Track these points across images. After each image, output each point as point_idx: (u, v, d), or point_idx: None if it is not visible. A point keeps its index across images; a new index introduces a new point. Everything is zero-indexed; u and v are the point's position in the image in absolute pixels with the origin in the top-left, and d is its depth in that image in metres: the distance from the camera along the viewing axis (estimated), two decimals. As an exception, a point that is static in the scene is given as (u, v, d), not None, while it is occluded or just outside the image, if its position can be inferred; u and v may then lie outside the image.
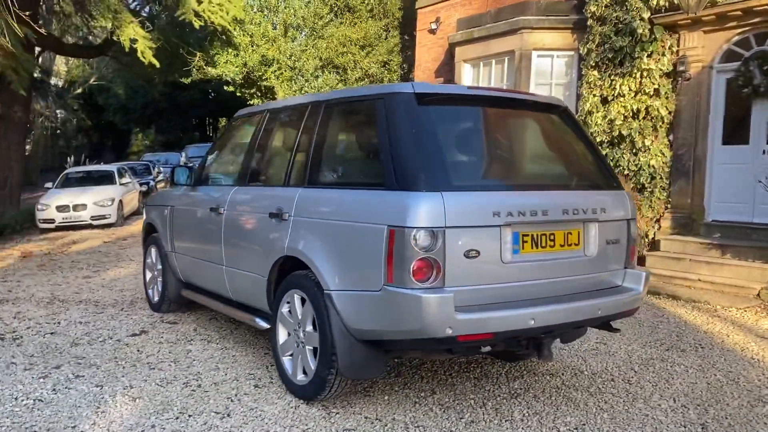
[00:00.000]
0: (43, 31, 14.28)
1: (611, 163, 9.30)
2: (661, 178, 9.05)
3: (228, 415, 3.81)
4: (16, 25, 12.82)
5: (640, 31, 8.91)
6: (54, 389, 4.21)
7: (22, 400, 4.02)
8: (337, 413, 3.85)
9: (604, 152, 9.37)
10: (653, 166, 9.01)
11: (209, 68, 18.39)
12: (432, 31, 13.19)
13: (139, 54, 15.89)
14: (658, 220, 9.19)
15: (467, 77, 11.75)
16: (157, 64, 16.15)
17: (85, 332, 5.61)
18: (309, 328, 3.89)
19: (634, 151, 9.15)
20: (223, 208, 4.89)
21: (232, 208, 4.80)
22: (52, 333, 5.57)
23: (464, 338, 3.34)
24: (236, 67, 17.97)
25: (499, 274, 3.50)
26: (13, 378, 4.42)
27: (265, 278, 4.32)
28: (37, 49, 20.96)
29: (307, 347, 3.93)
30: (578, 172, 4.24)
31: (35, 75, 21.24)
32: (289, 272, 4.11)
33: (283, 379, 4.20)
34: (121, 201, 15.19)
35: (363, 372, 3.71)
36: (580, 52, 9.92)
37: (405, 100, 3.60)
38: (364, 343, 3.62)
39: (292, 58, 17.29)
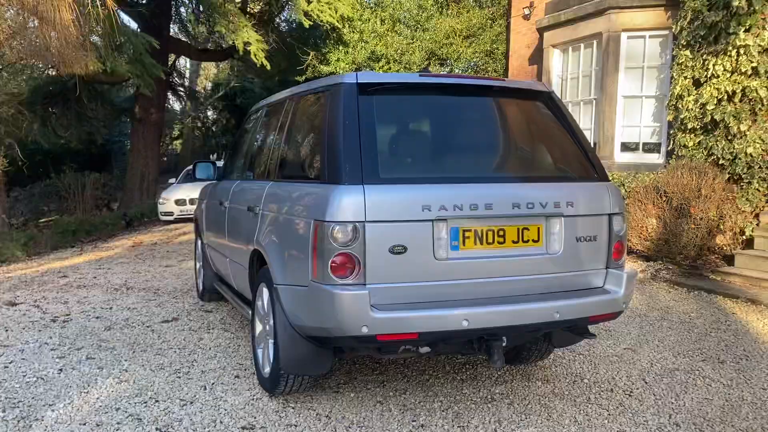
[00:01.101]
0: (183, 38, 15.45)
1: (703, 152, 8.43)
2: (759, 167, 8.04)
3: (191, 403, 3.94)
4: (136, 35, 13.98)
5: (736, 3, 7.96)
6: (61, 369, 4.57)
7: (28, 378, 4.41)
8: (293, 408, 3.85)
9: (696, 140, 8.52)
10: (751, 155, 8.02)
11: (322, 66, 18.94)
12: (526, 17, 12.66)
13: (252, 56, 16.71)
14: (757, 215, 8.19)
15: (556, 64, 11.16)
16: (268, 66, 16.91)
17: (125, 317, 6.03)
18: (272, 321, 3.92)
19: (728, 137, 8.21)
20: (226, 202, 5.05)
21: (231, 202, 4.94)
22: (97, 317, 6.06)
23: (384, 338, 3.21)
24: (346, 64, 18.37)
25: (433, 272, 3.31)
26: (35, 357, 4.86)
27: (247, 271, 4.42)
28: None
29: (270, 340, 3.96)
30: (545, 163, 3.91)
31: (171, 79, 23.04)
32: (262, 266, 4.17)
33: (256, 371, 4.26)
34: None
35: (305, 368, 3.67)
36: (673, 31, 9.06)
37: (346, 91, 3.51)
38: (307, 338, 3.58)
39: (398, 51, 17.36)
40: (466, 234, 3.38)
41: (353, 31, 17.94)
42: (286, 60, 20.09)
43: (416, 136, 3.77)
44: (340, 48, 18.45)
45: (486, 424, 3.66)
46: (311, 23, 16.88)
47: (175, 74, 24.47)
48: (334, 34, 18.52)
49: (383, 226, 3.21)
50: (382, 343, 3.35)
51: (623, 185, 9.17)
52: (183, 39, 21.86)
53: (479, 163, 3.75)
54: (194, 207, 15.26)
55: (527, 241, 3.52)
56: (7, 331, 5.62)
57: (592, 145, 10.48)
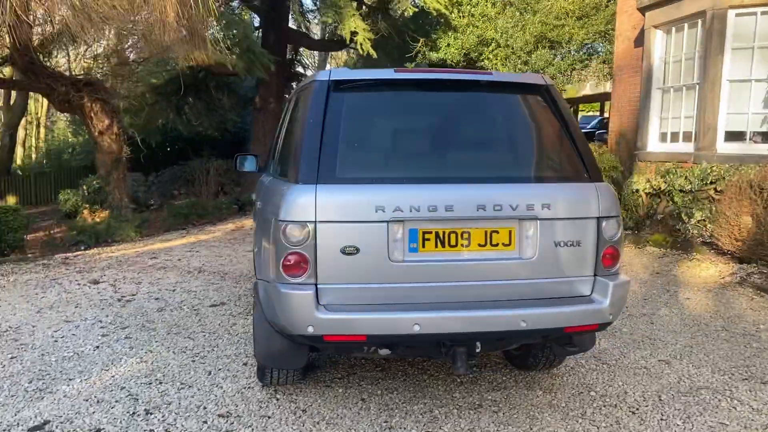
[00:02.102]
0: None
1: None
2: None
3: (189, 387, 4.15)
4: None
5: None
6: (97, 347, 4.99)
7: (66, 352, 4.86)
8: (277, 400, 3.94)
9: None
10: None
11: (432, 53, 18.82)
12: (633, -5, 11.80)
13: (358, 45, 16.96)
14: None
15: (658, 46, 10.31)
16: (375, 55, 17.08)
17: (181, 300, 6.44)
18: (253, 314, 4.02)
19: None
20: (256, 194, 5.22)
21: (255, 193, 5.11)
22: (156, 299, 6.51)
23: (331, 338, 3.19)
24: (456, 49, 18.13)
25: (388, 274, 3.24)
26: (84, 333, 5.33)
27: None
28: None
29: None
30: (525, 163, 3.66)
31: (293, 69, 23.91)
32: None
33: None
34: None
35: (279, 361, 3.72)
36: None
37: (317, 89, 3.50)
38: (282, 333, 3.64)
39: (504, 36, 16.85)
40: (426, 236, 3.27)
41: (461, 16, 17.66)
42: (397, 48, 20.18)
43: (384, 135, 3.68)
44: (449, 33, 18.24)
45: (457, 431, 3.54)
46: (416, 10, 16.82)
47: (297, 65, 25.42)
48: (443, 20, 18.34)
49: (335, 227, 3.19)
50: (332, 344, 3.34)
51: (723, 179, 8.38)
52: (301, 30, 22.56)
53: (448, 163, 3.59)
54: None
55: (497, 244, 3.34)
56: (76, 307, 6.20)
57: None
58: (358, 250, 3.19)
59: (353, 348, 3.49)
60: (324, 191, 3.18)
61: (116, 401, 3.93)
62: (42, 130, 36.37)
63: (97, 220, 12.38)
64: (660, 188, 9.29)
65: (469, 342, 3.36)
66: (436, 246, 3.28)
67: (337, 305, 3.21)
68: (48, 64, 13.78)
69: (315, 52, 31.61)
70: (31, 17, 11.28)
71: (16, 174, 28.56)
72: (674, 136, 10.00)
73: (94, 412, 3.78)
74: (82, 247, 10.52)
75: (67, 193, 13.49)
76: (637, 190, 9.73)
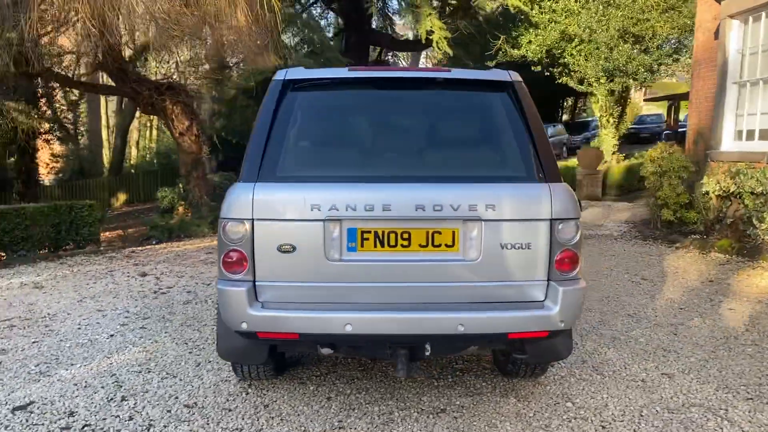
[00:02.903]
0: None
1: None
2: None
3: (173, 377, 4.32)
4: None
5: None
6: (112, 335, 5.29)
7: (82, 339, 5.19)
8: (247, 394, 4.02)
9: None
10: None
11: (513, 50, 18.41)
12: (714, -17, 10.98)
13: (434, 45, 16.91)
14: None
15: (734, 37, 9.55)
16: (451, 53, 16.96)
17: (210, 294, 6.69)
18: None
19: None
20: None
21: None
22: (188, 292, 6.80)
23: (265, 335, 3.22)
24: (537, 46, 17.64)
25: (324, 273, 3.22)
26: (107, 322, 5.67)
27: None
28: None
29: None
30: (474, 162, 3.49)
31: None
32: None
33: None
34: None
35: (238, 357, 3.77)
36: None
37: (271, 88, 3.54)
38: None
39: (587, 31, 16.17)
40: (365, 235, 3.23)
41: (542, 12, 17.15)
42: (479, 46, 19.95)
43: (332, 134, 3.63)
44: (530, 30, 17.77)
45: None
46: (495, 7, 16.54)
47: (382, 64, 25.59)
48: (523, 17, 17.91)
49: (271, 225, 3.21)
50: (268, 341, 3.36)
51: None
52: (385, 31, 22.77)
53: (391, 163, 3.50)
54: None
55: (439, 245, 3.24)
56: (114, 297, 6.60)
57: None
58: (294, 248, 3.20)
59: (292, 346, 3.50)
60: (261, 189, 3.22)
61: (101, 387, 4.16)
62: (154, 131, 38.68)
63: (188, 215, 13.11)
64: (729, 190, 8.65)
65: (410, 344, 3.28)
66: (375, 246, 3.23)
67: (275, 303, 3.23)
68: (137, 70, 14.68)
69: (408, 52, 31.82)
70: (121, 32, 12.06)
71: (127, 173, 30.69)
72: (750, 134, 9.25)
73: (76, 396, 4.01)
74: (153, 242, 11.15)
75: (164, 190, 14.32)
76: (707, 193, 9.11)
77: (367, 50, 21.81)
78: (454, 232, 3.23)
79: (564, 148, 26.09)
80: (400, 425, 3.57)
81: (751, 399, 3.90)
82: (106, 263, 8.84)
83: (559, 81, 18.33)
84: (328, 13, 22.81)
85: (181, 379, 4.27)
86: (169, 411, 3.78)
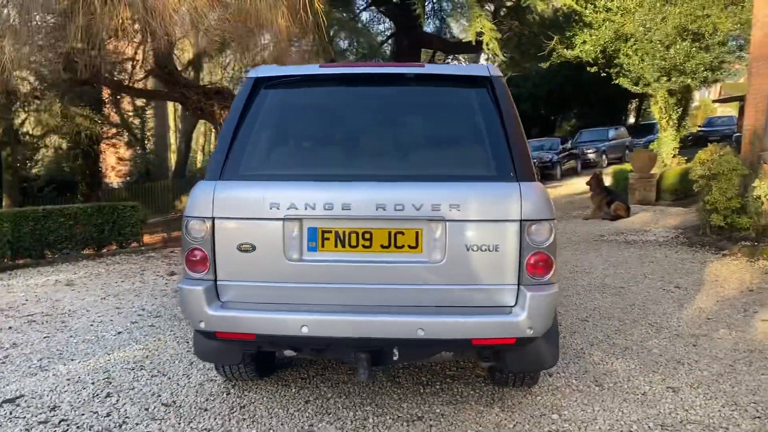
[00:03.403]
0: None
1: None
2: None
3: (162, 375, 4.34)
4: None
5: None
6: (119, 332, 5.39)
7: (90, 336, 5.30)
8: (227, 395, 3.98)
9: None
10: None
11: (567, 51, 17.91)
12: (773, -27, 10.33)
13: (484, 46, 16.64)
14: None
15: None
16: (501, 55, 16.67)
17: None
18: None
19: None
20: None
21: None
22: (207, 291, 6.84)
23: (223, 335, 3.17)
24: (591, 46, 17.11)
25: (284, 273, 3.15)
26: (119, 320, 5.78)
27: None
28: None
29: None
30: (441, 161, 3.34)
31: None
32: None
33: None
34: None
35: (213, 357, 3.73)
36: None
37: (244, 86, 3.50)
38: None
39: (642, 29, 15.55)
40: (326, 235, 3.13)
41: (597, 11, 16.61)
42: (533, 47, 19.53)
43: (297, 132, 3.54)
44: (585, 30, 17.25)
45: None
46: (545, 7, 16.14)
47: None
48: (577, 16, 17.40)
49: (231, 223, 3.16)
50: (228, 342, 3.31)
51: None
52: (439, 34, 22.59)
53: (355, 161, 3.38)
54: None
55: (402, 246, 3.11)
56: (135, 296, 6.74)
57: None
58: (254, 247, 3.14)
59: (252, 346, 3.43)
60: (222, 188, 3.18)
61: (91, 383, 4.21)
62: (219, 136, 39.41)
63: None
64: (781, 194, 8.12)
65: (371, 348, 3.17)
66: (336, 246, 3.14)
67: (236, 303, 3.18)
68: (186, 75, 15.07)
69: (463, 55, 31.51)
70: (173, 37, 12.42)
71: (192, 176, 31.60)
72: (806, 134, 8.65)
73: (65, 391, 4.08)
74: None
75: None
76: (759, 197, 8.57)
77: (419, 53, 21.67)
78: (417, 233, 3.10)
79: (627, 152, 25.25)
80: (359, 424, 3.46)
81: (758, 417, 3.58)
82: (142, 263, 9.06)
83: (615, 82, 17.75)
84: (380, 17, 22.84)
85: (169, 378, 4.28)
86: (147, 409, 3.79)
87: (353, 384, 4.09)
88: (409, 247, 3.11)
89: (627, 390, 3.99)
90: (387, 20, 22.77)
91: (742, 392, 3.93)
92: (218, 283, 3.20)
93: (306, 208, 3.09)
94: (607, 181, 17.05)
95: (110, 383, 4.21)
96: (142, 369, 4.45)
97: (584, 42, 17.27)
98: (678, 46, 15.00)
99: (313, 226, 3.13)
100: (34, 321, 5.84)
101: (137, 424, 3.59)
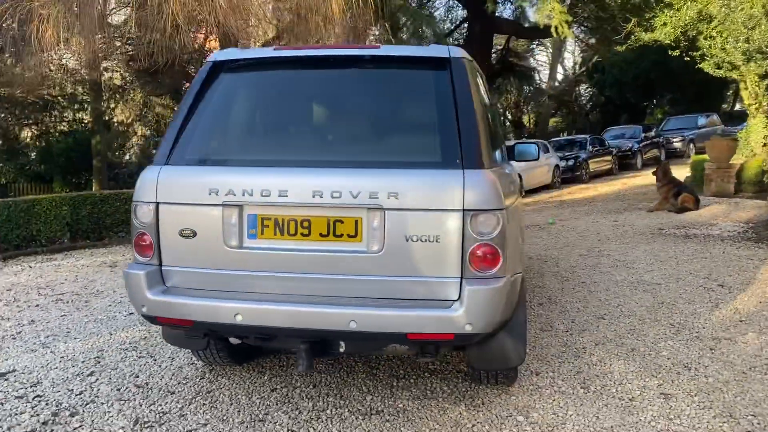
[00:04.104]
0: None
1: None
2: None
3: (150, 357, 4.43)
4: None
5: None
6: (131, 313, 5.55)
7: (103, 316, 5.49)
8: (200, 379, 4.01)
9: None
10: None
11: (645, 33, 16.93)
12: None
13: (552, 30, 16.04)
14: None
15: None
16: (570, 37, 16.03)
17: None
18: None
19: None
20: None
21: None
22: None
23: (164, 320, 3.17)
24: (672, 28, 16.10)
25: (224, 260, 3.10)
26: (126, 306, 5.92)
27: None
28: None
29: None
30: (384, 147, 3.18)
31: (509, 58, 23.38)
32: None
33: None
34: (519, 175, 15.83)
35: (179, 342, 3.72)
36: None
37: (202, 69, 3.47)
38: None
39: (724, 9, 14.44)
40: (265, 222, 3.06)
41: (683, -9, 15.58)
42: (612, 31, 18.66)
43: (246, 117, 3.44)
44: (665, 11, 16.24)
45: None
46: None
47: (510, 55, 24.75)
48: (655, -3, 16.43)
49: (174, 208, 3.14)
50: (175, 327, 3.29)
51: None
52: (509, 19, 21.99)
53: (297, 147, 3.26)
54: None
55: (341, 235, 2.99)
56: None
57: None
58: (195, 233, 3.12)
59: (195, 332, 3.40)
60: (165, 172, 3.17)
61: (81, 362, 4.35)
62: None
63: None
64: None
65: (310, 338, 3.07)
66: (275, 234, 3.05)
67: (179, 288, 3.18)
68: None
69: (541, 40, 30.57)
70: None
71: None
72: None
73: (54, 369, 4.24)
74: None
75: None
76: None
77: (491, 39, 21.18)
78: (357, 222, 2.97)
79: (719, 140, 23.72)
80: (323, 423, 3.37)
81: (749, 431, 3.23)
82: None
83: (699, 66, 16.65)
84: (455, 3, 22.46)
85: (155, 360, 4.35)
86: (119, 389, 3.86)
87: (329, 374, 4.01)
88: (349, 236, 2.98)
89: (613, 394, 3.70)
90: (460, 6, 22.39)
91: (744, 403, 3.55)
92: (163, 268, 3.19)
93: (244, 195, 3.03)
94: (687, 171, 16.09)
95: (99, 362, 4.32)
96: (134, 350, 4.55)
97: (664, 24, 16.28)
98: (763, 28, 13.84)
99: (253, 213, 3.06)
100: (62, 300, 6.11)
101: (102, 403, 3.66)
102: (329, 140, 3.30)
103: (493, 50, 24.01)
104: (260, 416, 3.45)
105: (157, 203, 3.15)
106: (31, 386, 3.94)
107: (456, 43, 23.73)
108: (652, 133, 23.87)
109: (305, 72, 3.43)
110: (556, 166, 18.00)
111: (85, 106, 18.63)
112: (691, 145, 22.90)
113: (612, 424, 3.31)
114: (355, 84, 3.38)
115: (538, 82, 35.20)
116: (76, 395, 3.78)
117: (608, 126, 34.61)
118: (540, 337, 4.72)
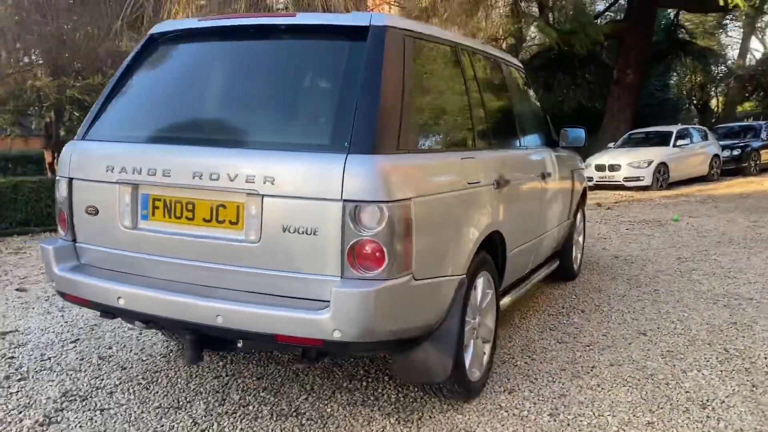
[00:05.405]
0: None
1: None
2: None
3: (134, 331, 4.44)
4: None
5: None
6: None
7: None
8: (162, 357, 3.95)
9: None
10: None
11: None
12: None
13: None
14: None
15: None
16: (745, 8, 14.14)
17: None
18: None
19: None
20: None
21: None
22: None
23: (69, 297, 3.11)
24: None
25: (120, 240, 2.97)
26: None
27: None
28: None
29: None
30: (266, 125, 2.85)
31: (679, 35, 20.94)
32: None
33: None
34: (664, 164, 14.28)
35: None
36: None
37: (140, 43, 3.36)
38: None
39: None
40: (156, 203, 2.88)
41: None
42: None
43: (159, 91, 3.19)
44: None
45: (222, 428, 3.04)
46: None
47: (679, 31, 22.26)
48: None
49: (81, 185, 3.08)
50: (81, 305, 3.22)
51: None
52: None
53: (190, 123, 3.00)
54: (614, 174, 14.17)
55: (223, 221, 2.72)
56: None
57: None
58: (97, 211, 3.03)
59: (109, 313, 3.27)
60: (78, 148, 3.13)
61: (78, 328, 4.51)
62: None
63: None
64: None
65: (193, 330, 2.85)
66: (164, 216, 2.87)
67: (86, 266, 3.12)
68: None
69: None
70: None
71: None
72: None
73: (49, 333, 4.42)
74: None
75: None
76: None
77: (653, 15, 19.23)
78: (238, 207, 2.69)
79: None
80: (232, 419, 3.14)
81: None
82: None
83: None
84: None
85: (141, 333, 4.37)
86: (83, 359, 3.92)
87: (284, 376, 3.73)
88: (230, 222, 2.72)
89: (582, 427, 3.08)
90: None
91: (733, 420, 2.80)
92: (77, 245, 3.15)
93: (134, 173, 2.87)
94: None
95: (92, 331, 4.44)
96: (130, 329, 4.59)
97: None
98: None
99: (146, 193, 2.90)
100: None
101: (61, 370, 3.72)
102: (223, 118, 3.04)
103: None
104: (180, 404, 3.30)
105: (70, 179, 3.10)
106: (14, 347, 4.13)
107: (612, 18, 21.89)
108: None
109: (219, 44, 3.22)
110: (715, 155, 15.96)
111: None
112: None
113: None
114: (264, 56, 3.09)
115: (731, 61, 31.50)
116: (46, 360, 3.90)
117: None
118: (549, 350, 4.11)
